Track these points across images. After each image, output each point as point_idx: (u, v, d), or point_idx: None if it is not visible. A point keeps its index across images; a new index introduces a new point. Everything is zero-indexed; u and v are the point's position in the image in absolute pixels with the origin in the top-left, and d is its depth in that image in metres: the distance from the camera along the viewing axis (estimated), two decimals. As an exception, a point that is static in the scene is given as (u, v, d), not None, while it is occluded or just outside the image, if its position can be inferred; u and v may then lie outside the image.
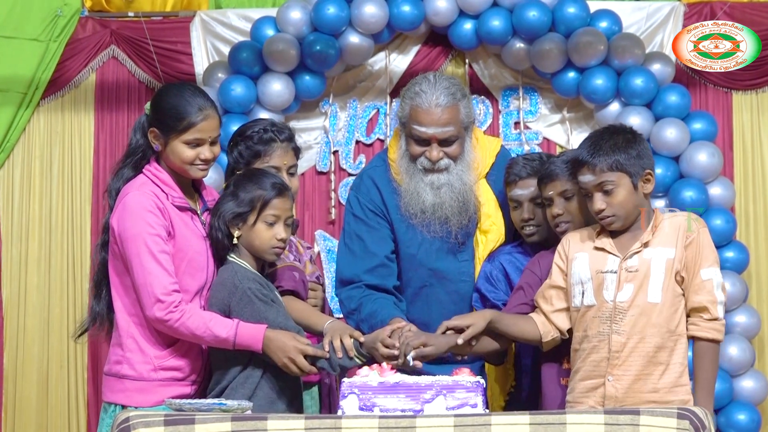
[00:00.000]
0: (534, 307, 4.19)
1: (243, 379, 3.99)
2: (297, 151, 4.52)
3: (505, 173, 4.45)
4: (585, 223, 4.18)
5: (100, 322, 4.18)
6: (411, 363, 3.95)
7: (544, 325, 4.12)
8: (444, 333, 4.06)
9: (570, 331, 4.13)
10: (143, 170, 4.12)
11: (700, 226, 4.03)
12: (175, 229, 4.04)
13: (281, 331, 3.95)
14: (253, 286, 4.00)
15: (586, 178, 4.00)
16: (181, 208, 4.09)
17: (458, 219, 4.41)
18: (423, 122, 4.34)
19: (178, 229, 4.05)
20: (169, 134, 4.06)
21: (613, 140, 4.00)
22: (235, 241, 4.09)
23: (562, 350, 4.18)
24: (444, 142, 4.35)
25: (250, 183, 4.11)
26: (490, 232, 4.47)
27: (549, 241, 4.32)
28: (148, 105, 4.15)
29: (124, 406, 4.00)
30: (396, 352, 3.99)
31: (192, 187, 4.23)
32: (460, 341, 4.03)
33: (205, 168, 4.12)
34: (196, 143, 4.06)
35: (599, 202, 3.98)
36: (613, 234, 4.05)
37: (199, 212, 4.18)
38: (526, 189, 4.36)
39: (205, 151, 4.08)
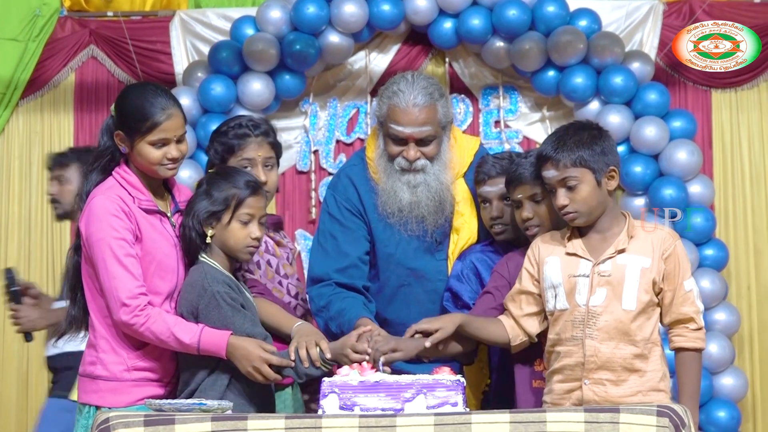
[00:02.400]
0: (503, 310, 4.17)
1: (211, 383, 3.94)
2: (275, 146, 4.48)
3: (474, 172, 4.43)
4: (554, 226, 4.15)
5: (77, 325, 4.18)
6: (381, 369, 3.92)
7: (512, 329, 4.09)
8: (413, 336, 4.02)
9: (539, 335, 4.12)
10: (112, 173, 4.09)
11: (675, 239, 4.03)
12: (142, 233, 4.01)
13: (246, 338, 3.90)
14: (222, 290, 3.95)
15: (550, 173, 3.98)
16: (148, 211, 4.05)
17: (434, 218, 4.41)
18: (400, 122, 4.33)
19: (146, 232, 4.02)
20: (134, 136, 4.02)
21: (577, 136, 3.98)
22: (208, 240, 4.05)
23: (533, 351, 4.16)
24: (421, 142, 4.35)
25: (224, 181, 4.07)
26: (462, 230, 4.45)
27: (519, 240, 4.29)
28: (113, 107, 4.13)
29: (97, 407, 4.00)
30: (366, 358, 3.96)
31: (164, 187, 4.20)
32: (427, 344, 3.97)
33: (173, 167, 4.07)
34: (162, 143, 4.01)
35: (562, 197, 3.96)
36: (584, 236, 4.03)
37: (169, 214, 4.15)
38: (494, 187, 4.33)
39: (172, 150, 4.03)
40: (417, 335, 4.02)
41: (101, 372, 4.02)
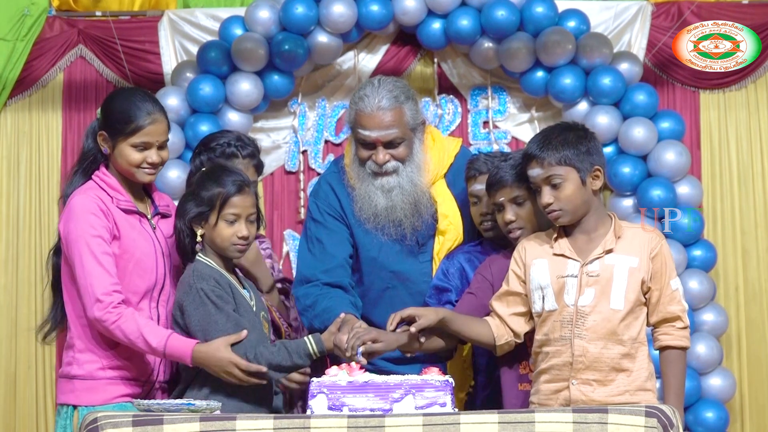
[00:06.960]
0: (485, 312, 4.18)
1: (203, 378, 3.99)
2: (259, 168, 4.59)
3: (465, 169, 4.46)
4: (538, 227, 4.18)
5: (60, 326, 4.22)
6: (359, 358, 3.93)
7: (498, 328, 4.10)
8: (394, 330, 4.02)
9: (525, 334, 4.13)
10: (92, 176, 4.16)
11: (661, 238, 4.05)
12: (120, 231, 4.08)
13: (211, 342, 3.92)
14: (207, 287, 3.99)
15: (535, 171, 4.01)
16: (127, 211, 4.13)
17: (411, 221, 4.45)
18: (366, 126, 4.39)
19: (124, 231, 4.09)
20: (117, 137, 4.11)
21: (563, 136, 4.03)
22: (199, 239, 4.09)
23: (518, 354, 4.17)
24: (389, 145, 4.40)
25: (210, 181, 4.11)
26: (448, 232, 4.49)
27: (507, 238, 4.31)
28: (100, 109, 4.18)
29: (75, 407, 4.03)
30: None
31: (143, 191, 4.27)
32: (413, 329, 3.98)
33: (152, 172, 4.17)
34: (144, 147, 4.11)
35: (547, 195, 3.99)
36: (570, 237, 4.05)
37: (149, 216, 4.22)
38: (485, 184, 4.33)
39: (153, 155, 4.13)
40: (398, 329, 4.02)
41: (77, 371, 4.08)
